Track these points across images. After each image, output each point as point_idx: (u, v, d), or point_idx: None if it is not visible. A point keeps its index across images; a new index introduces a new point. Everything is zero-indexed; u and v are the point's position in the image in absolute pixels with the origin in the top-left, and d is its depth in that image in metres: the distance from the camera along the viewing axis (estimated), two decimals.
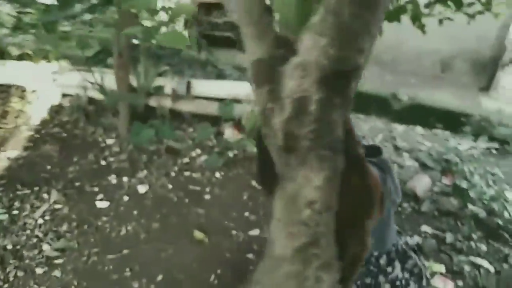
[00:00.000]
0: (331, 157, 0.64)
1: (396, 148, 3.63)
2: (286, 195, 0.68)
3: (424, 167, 3.20)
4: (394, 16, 2.59)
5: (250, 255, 2.20)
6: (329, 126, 0.65)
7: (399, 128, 4.25)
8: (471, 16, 2.84)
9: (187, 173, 2.95)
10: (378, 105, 4.63)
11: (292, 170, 0.66)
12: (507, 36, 4.74)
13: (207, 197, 2.69)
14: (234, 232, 2.38)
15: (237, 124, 3.35)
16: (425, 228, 2.50)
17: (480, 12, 2.79)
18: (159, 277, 2.00)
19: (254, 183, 2.88)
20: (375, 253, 1.02)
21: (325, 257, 0.68)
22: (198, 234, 2.32)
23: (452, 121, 4.28)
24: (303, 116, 0.65)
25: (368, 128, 4.10)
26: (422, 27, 2.70)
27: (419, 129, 4.34)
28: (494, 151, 3.63)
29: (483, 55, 4.95)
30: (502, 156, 3.59)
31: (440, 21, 2.79)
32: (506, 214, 2.58)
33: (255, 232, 2.39)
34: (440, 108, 4.50)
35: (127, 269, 2.04)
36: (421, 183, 2.84)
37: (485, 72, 4.98)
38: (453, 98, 4.75)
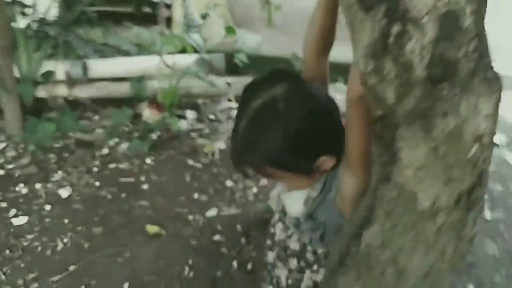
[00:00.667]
0: (497, 77, 0.52)
1: None
2: (435, 136, 0.54)
3: None
4: None
5: (217, 237, 2.03)
6: (486, 41, 0.53)
7: None
8: None
9: (112, 165, 2.58)
10: (282, 66, 4.66)
11: (446, 103, 0.53)
12: None
13: (145, 186, 2.39)
14: (190, 217, 2.16)
15: (154, 103, 3.02)
16: None
17: None
18: (126, 285, 1.71)
19: (191, 162, 2.66)
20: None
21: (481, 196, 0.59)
22: (151, 228, 2.04)
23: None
24: (458, 33, 0.52)
25: None
26: None
27: None
28: None
29: None
30: None
31: None
32: None
33: (212, 212, 2.21)
34: (340, 63, 4.72)
35: (82, 287, 1.70)
36: None
37: None
38: (350, 52, 5.02)
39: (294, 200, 0.96)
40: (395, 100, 0.60)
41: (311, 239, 0.99)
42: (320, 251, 1.01)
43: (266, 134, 0.79)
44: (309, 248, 1.03)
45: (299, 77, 0.88)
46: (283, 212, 1.10)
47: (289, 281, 1.08)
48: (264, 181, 2.49)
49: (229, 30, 2.93)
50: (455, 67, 0.52)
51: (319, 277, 1.01)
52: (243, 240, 2.02)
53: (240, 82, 4.26)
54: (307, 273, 1.03)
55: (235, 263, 1.87)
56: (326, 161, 0.84)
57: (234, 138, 0.84)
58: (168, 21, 4.32)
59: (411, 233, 0.60)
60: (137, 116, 3.03)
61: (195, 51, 3.06)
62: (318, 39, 0.91)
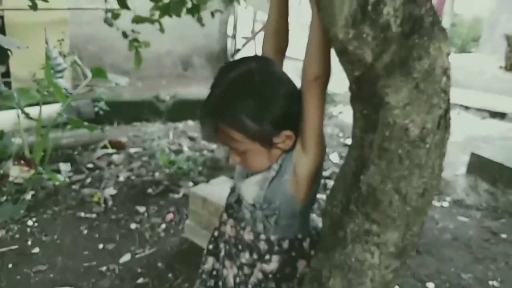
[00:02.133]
0: (443, 28, 0.72)
1: (192, 139, 3.78)
2: (415, 76, 0.71)
3: None
4: (177, 8, 2.67)
5: (140, 280, 1.88)
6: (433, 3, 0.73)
7: (178, 125, 4.40)
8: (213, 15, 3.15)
9: None
10: (147, 110, 4.62)
11: (419, 49, 0.70)
12: (227, 31, 5.63)
13: (35, 250, 2.06)
14: (103, 268, 1.95)
15: (21, 159, 2.65)
16: None
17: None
18: None
19: (83, 214, 2.40)
20: (299, 236, 1.02)
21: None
22: None
23: None
24: None
25: (152, 131, 4.05)
26: (200, 20, 2.90)
27: (190, 122, 4.61)
28: None
29: (213, 49, 5.70)
30: None
31: (212, 14, 3.06)
32: None
33: (126, 257, 2.04)
34: (201, 99, 4.91)
35: None
36: None
37: (219, 64, 5.77)
38: (204, 90, 5.28)
39: (251, 184, 0.98)
40: (372, 58, 0.75)
41: (265, 226, 1.00)
42: (273, 237, 1.00)
43: (241, 98, 0.86)
44: (262, 236, 1.01)
45: (270, 61, 0.96)
46: (237, 202, 1.09)
47: (237, 279, 1.07)
48: (170, 216, 2.42)
49: (98, 72, 2.81)
50: (421, 21, 0.70)
51: (271, 267, 1.01)
52: (170, 275, 1.92)
53: (117, 130, 4.07)
54: (258, 265, 1.02)
55: None
56: (287, 137, 0.90)
57: (208, 102, 0.89)
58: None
59: (407, 161, 0.74)
60: (2, 178, 2.61)
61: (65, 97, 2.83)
62: (273, 39, 1.02)
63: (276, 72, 0.91)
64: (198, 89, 5.31)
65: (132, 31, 3.01)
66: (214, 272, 1.15)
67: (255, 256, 1.03)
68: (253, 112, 0.85)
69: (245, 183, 1.01)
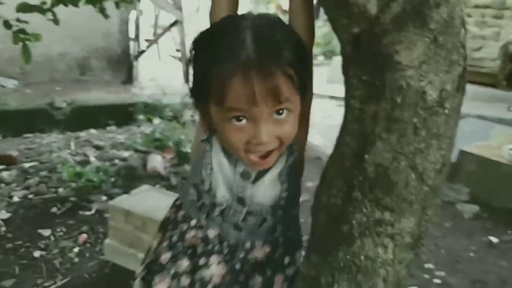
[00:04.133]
0: None
1: (98, 148, 3.36)
2: (432, 27, 0.59)
3: (140, 152, 3.15)
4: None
5: None
6: None
7: (80, 134, 3.91)
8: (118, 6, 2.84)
9: None
10: (40, 120, 4.03)
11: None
12: (129, 33, 5.22)
13: None
14: None
15: None
16: None
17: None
18: None
19: None
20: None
21: None
22: None
23: (122, 113, 4.36)
24: None
25: (48, 143, 3.52)
26: (103, 11, 2.56)
27: (93, 131, 4.15)
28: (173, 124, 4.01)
29: (114, 51, 5.24)
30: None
31: (117, 5, 2.72)
32: None
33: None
34: (104, 105, 4.46)
35: None
36: (158, 162, 2.82)
37: (121, 67, 5.32)
38: (106, 95, 4.81)
39: (269, 182, 0.78)
40: (378, 9, 0.61)
41: (288, 223, 0.82)
42: (290, 233, 0.83)
43: (285, 38, 0.69)
44: (280, 240, 0.81)
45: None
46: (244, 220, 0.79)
47: None
48: (83, 237, 2.05)
49: None
50: None
51: (292, 270, 0.82)
52: None
53: (4, 143, 3.44)
54: (277, 279, 0.80)
55: None
56: (310, 97, 0.79)
57: (246, 50, 0.65)
58: None
59: (423, 131, 0.62)
60: None
61: None
62: None
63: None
64: (99, 94, 4.83)
65: (18, 20, 2.52)
66: None
67: (268, 273, 0.80)
68: (299, 51, 0.70)
69: (259, 185, 0.78)
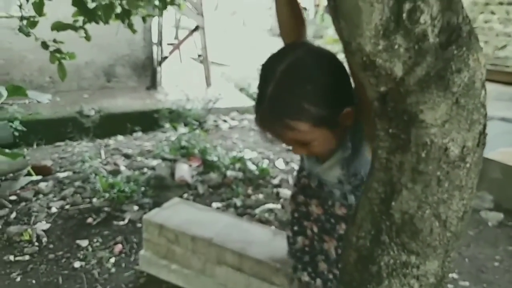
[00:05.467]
0: (477, 37, 0.67)
1: (127, 156, 3.49)
2: (454, 91, 0.64)
3: (168, 161, 3.26)
4: (106, 13, 2.42)
5: None
6: None
7: (109, 141, 4.06)
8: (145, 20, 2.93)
9: None
10: (70, 128, 4.20)
11: (458, 61, 0.64)
12: (152, 39, 5.35)
13: None
14: None
15: None
16: (216, 204, 2.65)
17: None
18: None
19: (12, 257, 2.06)
20: None
21: None
22: None
23: (148, 120, 4.50)
24: (453, 3, 0.64)
25: (80, 151, 3.67)
26: (131, 27, 2.66)
27: (121, 137, 4.29)
28: (198, 131, 4.12)
29: (138, 58, 5.38)
30: (207, 133, 4.17)
31: (144, 19, 2.83)
32: (251, 167, 3.10)
33: None
34: (130, 112, 4.61)
35: None
36: (185, 172, 2.92)
37: (146, 73, 5.46)
38: (132, 101, 4.95)
39: (331, 168, 1.05)
40: (403, 72, 0.67)
41: (355, 195, 1.06)
42: None
43: (300, 88, 0.84)
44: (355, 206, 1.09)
45: (308, 41, 1.00)
46: (318, 186, 1.15)
47: (339, 250, 1.14)
48: (118, 247, 2.17)
49: (16, 90, 2.43)
50: (459, 31, 0.63)
51: None
52: None
53: (37, 152, 3.61)
54: None
55: None
56: (348, 114, 0.89)
57: (262, 103, 0.87)
58: None
59: (446, 183, 0.67)
60: None
61: None
62: (291, 22, 1.02)
63: (319, 51, 0.92)
64: (124, 101, 4.97)
65: (54, 40, 2.67)
66: (307, 249, 1.26)
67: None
68: (314, 98, 0.85)
69: (324, 168, 1.07)
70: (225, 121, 4.73)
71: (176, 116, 4.48)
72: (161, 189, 2.78)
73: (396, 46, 0.64)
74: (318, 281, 1.23)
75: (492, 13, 5.56)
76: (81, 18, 2.50)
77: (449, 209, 0.69)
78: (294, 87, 0.84)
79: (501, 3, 5.44)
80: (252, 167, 3.07)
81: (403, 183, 0.70)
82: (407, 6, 0.61)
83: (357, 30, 0.65)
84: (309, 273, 1.26)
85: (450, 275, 2.07)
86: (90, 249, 2.16)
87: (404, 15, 0.62)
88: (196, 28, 5.71)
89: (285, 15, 1.01)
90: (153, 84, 5.46)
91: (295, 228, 1.27)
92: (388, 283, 0.72)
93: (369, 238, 0.75)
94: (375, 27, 0.63)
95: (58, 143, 3.96)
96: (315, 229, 1.21)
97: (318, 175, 1.12)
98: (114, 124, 4.45)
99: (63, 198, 2.66)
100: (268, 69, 0.88)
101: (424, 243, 0.69)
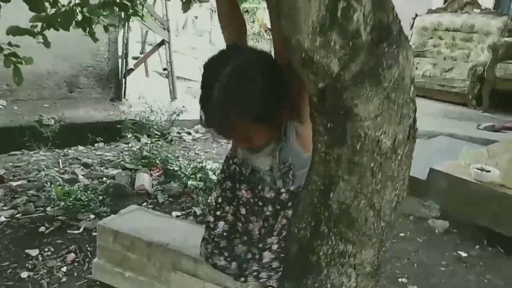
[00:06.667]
0: (407, 36, 0.72)
1: (87, 165, 3.40)
2: (385, 86, 0.69)
3: (128, 170, 3.20)
4: (66, 20, 2.38)
5: None
6: None
7: (68, 151, 3.94)
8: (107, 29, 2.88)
9: None
10: (28, 137, 4.04)
11: (389, 58, 0.69)
12: (118, 51, 5.29)
13: None
14: None
15: None
16: (176, 213, 2.62)
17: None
18: None
19: None
20: None
21: None
22: None
23: (110, 131, 4.41)
24: (385, 3, 0.69)
25: (36, 160, 3.54)
26: (93, 35, 2.62)
27: (81, 148, 4.17)
28: (161, 142, 4.06)
29: (103, 69, 5.29)
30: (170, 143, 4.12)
31: (106, 29, 2.80)
32: (212, 177, 3.09)
33: None
34: (92, 122, 4.51)
35: None
36: (145, 181, 2.88)
37: (110, 85, 5.38)
38: (94, 112, 4.85)
39: (263, 157, 1.17)
40: (339, 68, 0.71)
41: (284, 181, 1.20)
42: (293, 187, 1.21)
43: (243, 93, 0.94)
44: (283, 190, 1.23)
45: (247, 47, 1.12)
46: (251, 173, 1.26)
47: (262, 231, 1.28)
48: (71, 256, 2.09)
49: None
50: (389, 29, 0.68)
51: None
52: None
53: None
54: (281, 213, 1.23)
55: None
56: (285, 110, 1.01)
57: (208, 104, 0.96)
58: None
59: (379, 174, 0.71)
60: None
61: None
62: (233, 24, 1.14)
63: (258, 54, 1.03)
64: (87, 111, 4.86)
65: (9, 44, 2.59)
66: (225, 234, 1.36)
67: (277, 207, 1.24)
68: (257, 99, 0.94)
69: (257, 156, 1.19)
70: (189, 133, 4.70)
71: (139, 128, 4.42)
72: (120, 198, 2.72)
73: (332, 43, 0.68)
74: (234, 264, 1.35)
75: (440, 38, 5.92)
76: (39, 24, 2.45)
77: (383, 199, 0.72)
78: (238, 90, 0.93)
79: (447, 30, 5.81)
80: (213, 177, 3.06)
81: (340, 175, 0.73)
82: (341, 4, 0.65)
83: (296, 27, 0.68)
84: (226, 257, 1.36)
85: (400, 279, 2.13)
86: (40, 258, 2.07)
87: (339, 12, 0.66)
88: (162, 42, 5.72)
89: (227, 18, 1.13)
90: (117, 96, 5.38)
91: (218, 213, 1.38)
92: (327, 272, 0.74)
93: (309, 229, 0.77)
94: (312, 24, 0.67)
95: (13, 152, 3.80)
96: (243, 211, 1.32)
97: (252, 163, 1.23)
98: (74, 134, 4.33)
99: (14, 207, 2.55)
100: (213, 71, 0.96)
101: (360, 232, 0.72)
